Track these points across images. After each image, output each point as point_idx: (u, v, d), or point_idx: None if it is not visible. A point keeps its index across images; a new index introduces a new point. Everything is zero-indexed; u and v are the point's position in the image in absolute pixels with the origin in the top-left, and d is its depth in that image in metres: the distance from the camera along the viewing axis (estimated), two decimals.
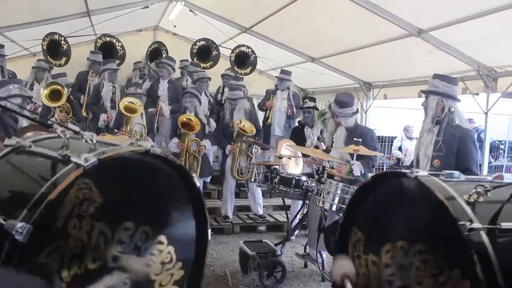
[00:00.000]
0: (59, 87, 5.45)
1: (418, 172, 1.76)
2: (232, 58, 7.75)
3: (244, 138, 5.87)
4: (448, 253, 1.56)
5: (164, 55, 7.95)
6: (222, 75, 7.68)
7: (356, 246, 2.16)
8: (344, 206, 3.57)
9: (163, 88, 6.87)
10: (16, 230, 1.29)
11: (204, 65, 7.79)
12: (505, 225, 1.42)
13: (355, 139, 4.13)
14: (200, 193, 2.13)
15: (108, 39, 7.85)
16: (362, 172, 4.39)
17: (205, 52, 7.90)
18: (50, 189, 1.43)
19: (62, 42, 6.97)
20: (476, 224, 1.42)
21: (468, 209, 1.50)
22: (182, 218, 2.10)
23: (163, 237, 1.95)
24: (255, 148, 6.06)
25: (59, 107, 5.53)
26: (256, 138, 6.03)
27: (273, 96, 7.00)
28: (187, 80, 7.72)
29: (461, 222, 1.42)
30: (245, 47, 7.74)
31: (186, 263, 2.09)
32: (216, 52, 7.88)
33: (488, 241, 1.39)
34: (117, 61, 7.52)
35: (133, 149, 1.77)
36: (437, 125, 3.35)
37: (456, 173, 1.81)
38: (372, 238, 2.07)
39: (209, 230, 2.18)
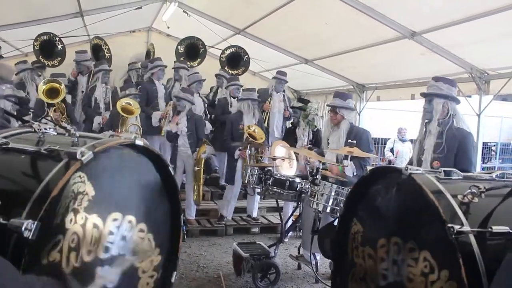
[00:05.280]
0: (58, 85, 5.39)
1: (413, 169, 1.76)
2: (223, 59, 7.62)
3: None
4: (438, 254, 1.55)
5: (151, 57, 7.83)
6: (216, 75, 7.63)
7: (355, 238, 2.20)
8: (338, 208, 3.58)
9: (161, 90, 6.82)
10: (25, 227, 1.26)
11: (192, 63, 7.67)
12: (496, 228, 1.38)
13: (349, 140, 4.14)
14: (175, 181, 2.24)
15: (97, 41, 7.68)
16: (354, 174, 4.40)
17: (192, 50, 7.78)
18: (51, 185, 1.41)
19: (57, 42, 6.90)
20: (465, 227, 1.40)
21: (459, 210, 1.48)
22: (159, 206, 2.18)
23: (143, 225, 2.02)
24: (249, 150, 6.01)
25: (53, 106, 5.47)
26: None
27: (270, 99, 6.91)
28: (174, 84, 7.38)
29: (449, 225, 1.40)
30: (237, 47, 7.61)
31: (163, 249, 2.18)
32: (204, 49, 7.76)
33: (477, 244, 1.36)
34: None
35: (121, 141, 1.85)
36: (437, 127, 3.37)
37: (454, 170, 1.81)
38: (370, 231, 2.09)
39: (182, 216, 2.31)
